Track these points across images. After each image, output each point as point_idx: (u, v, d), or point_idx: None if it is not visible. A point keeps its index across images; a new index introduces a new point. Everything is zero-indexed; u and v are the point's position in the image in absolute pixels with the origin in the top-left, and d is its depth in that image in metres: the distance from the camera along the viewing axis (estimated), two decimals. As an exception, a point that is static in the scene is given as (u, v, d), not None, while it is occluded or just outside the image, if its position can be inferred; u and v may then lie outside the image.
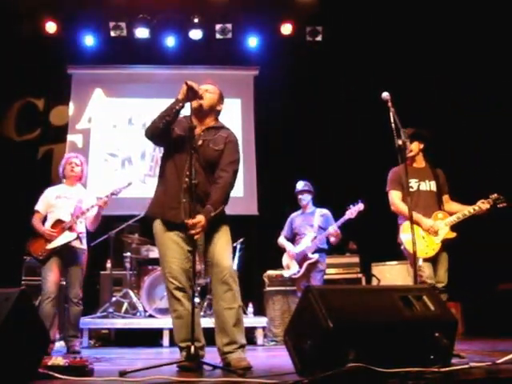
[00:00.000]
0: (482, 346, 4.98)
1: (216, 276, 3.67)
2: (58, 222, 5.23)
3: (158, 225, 3.79)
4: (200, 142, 3.80)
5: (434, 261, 4.58)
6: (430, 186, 4.75)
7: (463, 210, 4.63)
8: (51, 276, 5.10)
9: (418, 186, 4.72)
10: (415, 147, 4.78)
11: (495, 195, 4.64)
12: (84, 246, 5.39)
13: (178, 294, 3.66)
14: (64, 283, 5.44)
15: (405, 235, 4.58)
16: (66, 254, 5.21)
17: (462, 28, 7.72)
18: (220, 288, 3.67)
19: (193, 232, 3.43)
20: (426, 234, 4.57)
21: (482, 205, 4.60)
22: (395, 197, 4.75)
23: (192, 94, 3.71)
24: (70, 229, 5.21)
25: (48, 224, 5.28)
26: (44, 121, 8.82)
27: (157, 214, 3.81)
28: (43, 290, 5.09)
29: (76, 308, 5.25)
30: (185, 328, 3.61)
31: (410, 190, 4.54)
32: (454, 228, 4.62)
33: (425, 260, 4.49)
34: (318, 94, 8.57)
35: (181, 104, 3.71)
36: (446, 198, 4.83)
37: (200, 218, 3.46)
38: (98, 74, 9.18)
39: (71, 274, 5.25)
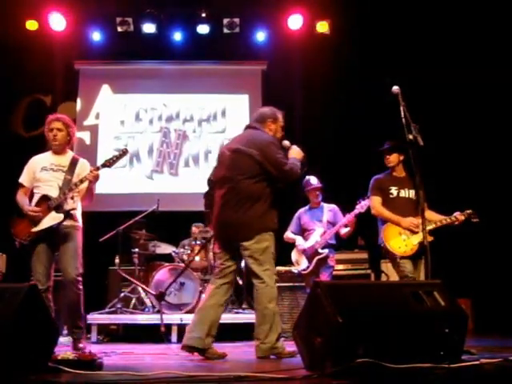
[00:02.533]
0: (492, 342, 4.95)
1: None
2: (44, 199, 4.39)
3: (273, 236, 4.23)
4: None
5: (413, 260, 4.85)
6: (409, 193, 5.03)
7: (440, 220, 4.92)
8: (39, 267, 4.39)
9: (398, 192, 5.04)
10: (395, 159, 5.11)
11: (470, 211, 4.95)
12: (77, 222, 4.57)
13: None
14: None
15: (384, 236, 4.94)
16: (56, 235, 4.42)
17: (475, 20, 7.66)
18: None
19: None
20: (406, 234, 4.85)
21: (459, 216, 4.91)
22: (376, 202, 5.10)
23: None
24: (58, 208, 4.36)
25: (34, 201, 4.47)
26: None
27: (276, 227, 4.28)
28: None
29: (72, 292, 4.42)
30: None
31: (390, 196, 5.03)
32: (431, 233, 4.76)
33: (404, 257, 4.81)
34: (327, 89, 8.53)
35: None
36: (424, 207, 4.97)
37: None
38: (106, 70, 9.19)
39: (64, 257, 4.43)
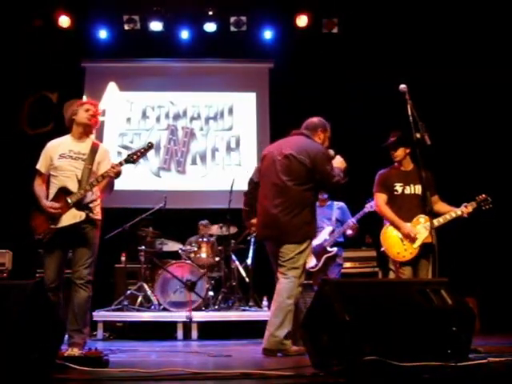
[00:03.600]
0: (499, 341, 4.93)
1: None
2: (63, 193, 4.09)
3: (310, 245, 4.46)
4: None
5: (414, 266, 4.73)
6: (414, 189, 4.85)
7: (447, 214, 4.77)
8: (52, 263, 4.11)
9: (403, 189, 4.85)
10: (401, 153, 4.92)
11: (482, 196, 4.80)
12: (97, 215, 4.25)
13: None
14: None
15: (384, 240, 4.87)
16: (73, 231, 4.10)
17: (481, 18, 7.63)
18: None
19: None
20: (405, 239, 4.72)
21: (465, 209, 4.76)
22: (380, 199, 4.93)
23: None
24: (78, 204, 4.06)
25: (51, 192, 4.17)
26: (57, 115, 8.84)
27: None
28: (44, 278, 4.11)
29: (80, 292, 4.08)
30: None
31: (395, 193, 4.85)
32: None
33: (404, 263, 4.72)
34: (334, 87, 8.51)
35: None
36: (435, 199, 4.87)
37: None
38: (112, 68, 9.20)
39: (77, 252, 4.15)
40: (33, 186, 4.25)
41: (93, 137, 4.48)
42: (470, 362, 2.89)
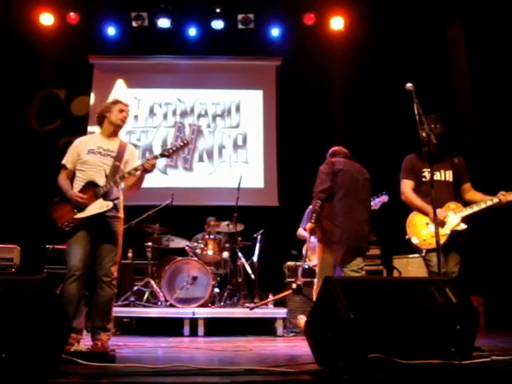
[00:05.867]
0: (504, 340, 4.92)
1: None
2: (90, 186, 4.14)
3: None
4: None
5: (443, 253, 4.30)
6: (445, 175, 4.55)
7: (482, 202, 4.41)
8: (77, 251, 4.05)
9: (433, 175, 4.42)
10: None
11: None
12: (120, 213, 4.31)
13: None
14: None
15: (409, 228, 4.58)
16: (98, 224, 4.12)
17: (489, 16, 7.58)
18: None
19: None
20: (433, 224, 4.27)
21: (503, 197, 4.35)
22: (407, 186, 4.61)
23: None
24: (105, 196, 4.13)
25: (77, 186, 4.19)
26: (65, 111, 8.89)
27: None
28: (67, 268, 4.07)
29: (106, 290, 4.12)
30: None
31: (423, 180, 4.53)
32: (467, 220, 4.40)
33: (431, 250, 4.35)
34: (341, 85, 8.51)
35: None
36: (467, 186, 4.59)
37: None
38: (120, 64, 9.23)
39: (101, 248, 4.14)
40: (58, 180, 4.25)
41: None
42: (473, 361, 2.90)
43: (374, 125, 8.22)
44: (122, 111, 4.40)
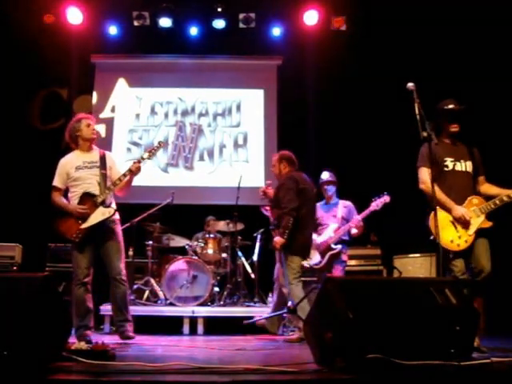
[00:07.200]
0: (504, 341, 4.92)
1: None
2: (87, 197, 4.55)
3: None
4: None
5: (466, 258, 4.16)
6: (465, 166, 4.31)
7: (502, 194, 4.16)
8: (83, 260, 4.53)
9: (454, 165, 4.29)
10: (458, 124, 4.37)
11: None
12: (117, 215, 4.73)
13: None
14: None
15: (433, 227, 4.04)
16: (101, 230, 4.56)
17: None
18: None
19: None
20: (457, 223, 4.15)
21: None
22: (426, 174, 4.22)
23: None
24: (104, 203, 4.55)
25: (73, 200, 4.61)
26: (68, 110, 8.89)
27: None
28: (75, 274, 4.56)
29: (120, 287, 4.63)
30: None
31: (445, 169, 4.28)
32: (489, 216, 4.20)
33: (457, 254, 4.11)
34: (342, 84, 8.50)
35: None
36: (481, 179, 4.40)
37: None
38: (122, 64, 9.22)
39: (108, 250, 4.60)
40: (53, 200, 4.65)
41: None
42: (473, 362, 2.91)
43: (375, 124, 8.21)
44: (89, 125, 4.80)
